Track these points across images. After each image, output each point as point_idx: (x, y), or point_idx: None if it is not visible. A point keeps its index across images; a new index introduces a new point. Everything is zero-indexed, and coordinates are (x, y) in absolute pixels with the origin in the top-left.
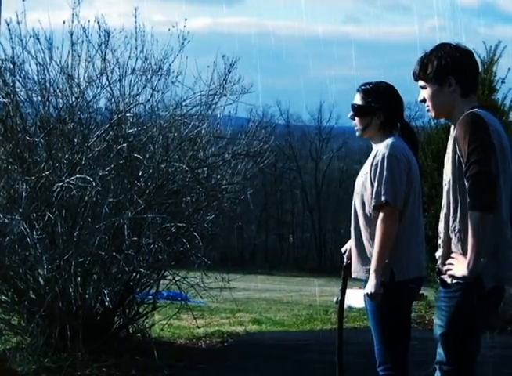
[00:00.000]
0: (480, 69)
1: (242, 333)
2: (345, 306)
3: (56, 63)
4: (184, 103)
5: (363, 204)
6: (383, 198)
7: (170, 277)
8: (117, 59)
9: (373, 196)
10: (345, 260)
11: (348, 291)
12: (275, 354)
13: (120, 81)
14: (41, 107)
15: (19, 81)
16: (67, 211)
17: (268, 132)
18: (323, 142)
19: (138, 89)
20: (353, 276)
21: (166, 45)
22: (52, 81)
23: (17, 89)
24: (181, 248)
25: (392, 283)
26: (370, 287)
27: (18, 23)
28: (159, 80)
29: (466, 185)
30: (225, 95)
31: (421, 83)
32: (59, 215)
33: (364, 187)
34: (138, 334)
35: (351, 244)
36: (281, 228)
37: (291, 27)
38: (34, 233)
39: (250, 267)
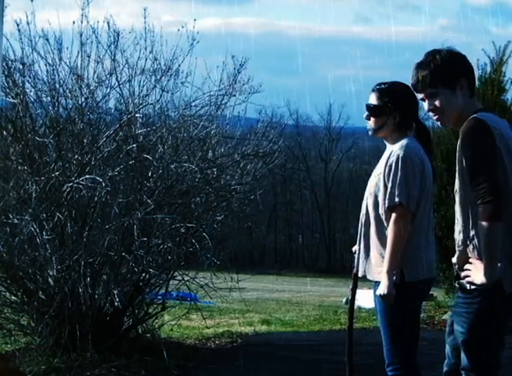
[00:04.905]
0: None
1: (251, 333)
2: (355, 306)
3: (66, 63)
4: (193, 104)
5: (376, 204)
6: (396, 200)
7: (179, 278)
8: (126, 60)
9: (387, 197)
10: (356, 260)
11: (358, 292)
12: (284, 354)
13: (129, 81)
14: (50, 108)
15: (28, 81)
16: (77, 212)
17: (278, 133)
18: (333, 142)
19: (147, 90)
20: (360, 275)
21: (175, 45)
22: (61, 81)
23: (27, 90)
24: (190, 249)
25: (402, 284)
26: (383, 288)
27: (28, 23)
28: (168, 80)
29: (474, 193)
30: (235, 95)
31: (431, 90)
32: (69, 216)
33: (378, 188)
34: (148, 335)
35: (359, 244)
36: (290, 228)
37: (301, 26)
38: (44, 233)
39: (259, 267)
